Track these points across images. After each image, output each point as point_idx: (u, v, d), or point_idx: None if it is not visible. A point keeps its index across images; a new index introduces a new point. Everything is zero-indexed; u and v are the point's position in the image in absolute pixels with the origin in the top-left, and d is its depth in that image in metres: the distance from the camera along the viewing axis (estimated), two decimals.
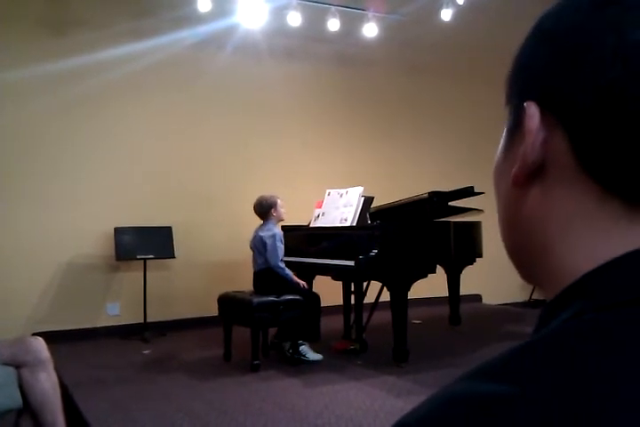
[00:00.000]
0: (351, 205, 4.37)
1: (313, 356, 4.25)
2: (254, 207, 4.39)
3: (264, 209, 4.35)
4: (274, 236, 4.24)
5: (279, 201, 4.39)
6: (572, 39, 0.38)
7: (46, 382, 2.18)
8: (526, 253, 0.43)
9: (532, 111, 0.39)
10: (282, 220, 4.45)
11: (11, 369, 2.15)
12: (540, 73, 0.40)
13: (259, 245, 4.30)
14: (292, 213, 4.70)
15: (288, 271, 4.28)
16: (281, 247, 4.25)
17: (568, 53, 0.38)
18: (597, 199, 0.37)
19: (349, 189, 4.48)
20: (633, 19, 0.35)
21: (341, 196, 4.54)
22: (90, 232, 5.23)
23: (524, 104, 0.39)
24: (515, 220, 0.43)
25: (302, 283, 4.32)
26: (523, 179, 0.40)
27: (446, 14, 5.64)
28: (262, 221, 4.39)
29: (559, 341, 0.32)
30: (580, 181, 0.37)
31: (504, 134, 0.44)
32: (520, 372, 0.30)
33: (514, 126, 0.42)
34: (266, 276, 4.29)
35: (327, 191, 4.72)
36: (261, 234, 4.29)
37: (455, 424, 0.29)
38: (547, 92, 0.39)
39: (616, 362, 0.29)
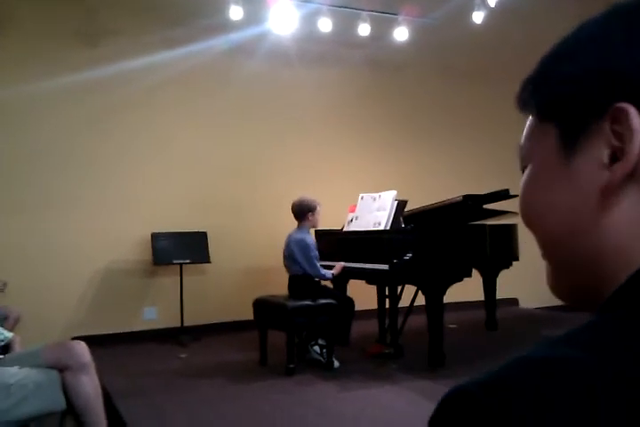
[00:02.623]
0: (385, 209, 4.37)
1: (335, 362, 4.23)
2: (293, 206, 4.40)
3: (302, 211, 4.36)
4: (307, 246, 4.24)
5: (319, 207, 4.39)
6: None
7: (88, 385, 2.23)
8: (590, 266, 0.42)
9: (630, 110, 0.39)
10: (315, 227, 4.45)
11: (54, 372, 2.21)
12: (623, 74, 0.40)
13: (293, 250, 4.31)
14: (325, 218, 4.71)
15: (328, 274, 4.28)
16: (315, 256, 4.27)
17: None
18: None
19: (382, 193, 4.48)
20: None
21: (375, 200, 4.53)
22: (127, 238, 5.34)
23: (619, 106, 0.39)
24: (587, 231, 0.42)
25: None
26: (619, 183, 0.40)
27: (478, 17, 5.60)
28: (297, 225, 4.40)
29: (628, 318, 0.35)
30: None
31: (537, 150, 0.45)
32: (592, 341, 0.34)
33: (574, 133, 0.42)
34: (302, 281, 4.31)
35: (360, 196, 4.72)
36: (295, 239, 4.31)
37: (528, 381, 0.33)
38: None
39: None
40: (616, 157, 0.40)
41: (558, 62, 0.45)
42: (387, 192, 4.44)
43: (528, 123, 0.48)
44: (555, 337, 0.36)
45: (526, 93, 0.47)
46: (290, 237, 4.41)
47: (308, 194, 4.54)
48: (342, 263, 4.38)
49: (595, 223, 0.41)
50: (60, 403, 2.18)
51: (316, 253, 4.29)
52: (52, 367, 2.22)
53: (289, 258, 4.38)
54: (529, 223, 0.47)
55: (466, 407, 0.34)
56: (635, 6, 0.41)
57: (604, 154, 0.40)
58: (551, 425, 0.31)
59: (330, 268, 4.44)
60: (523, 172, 0.48)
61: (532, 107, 0.46)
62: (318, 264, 4.26)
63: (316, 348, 4.38)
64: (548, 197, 0.44)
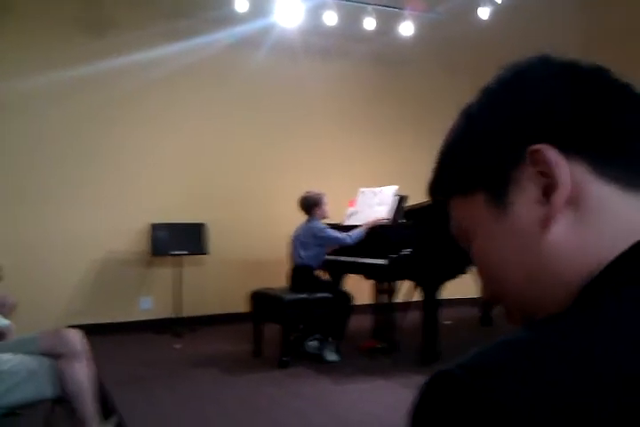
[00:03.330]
0: (385, 204, 4.36)
1: (331, 355, 4.25)
2: (300, 202, 4.39)
3: (309, 206, 4.36)
4: (320, 229, 4.23)
5: (324, 199, 4.39)
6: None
7: (81, 373, 2.23)
8: (540, 285, 0.46)
9: (544, 148, 0.44)
10: (325, 217, 4.44)
11: (49, 360, 2.21)
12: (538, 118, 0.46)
13: (308, 239, 4.27)
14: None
15: (354, 235, 4.21)
16: (333, 231, 4.25)
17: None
18: (623, 198, 0.43)
19: (383, 188, 4.47)
20: None
21: (375, 194, 4.53)
22: (126, 228, 5.33)
23: (534, 148, 0.44)
24: (537, 263, 0.46)
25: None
26: (556, 212, 0.44)
27: (484, 12, 5.58)
28: (307, 217, 4.40)
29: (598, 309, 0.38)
30: (602, 189, 0.43)
31: (472, 222, 0.50)
32: (569, 324, 0.37)
33: (500, 188, 0.47)
34: (304, 272, 4.30)
35: (360, 190, 4.71)
36: (309, 231, 4.27)
37: (511, 363, 0.34)
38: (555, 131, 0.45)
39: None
40: (547, 191, 0.44)
41: (458, 143, 0.51)
42: (387, 187, 4.43)
43: (453, 208, 0.53)
44: (537, 322, 0.38)
45: (442, 182, 0.53)
46: (299, 229, 4.39)
47: (308, 187, 4.52)
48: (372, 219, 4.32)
49: (538, 252, 0.45)
50: (53, 390, 2.18)
51: (333, 230, 4.27)
52: (46, 355, 2.22)
53: (298, 247, 4.35)
54: (496, 291, 0.52)
55: (451, 390, 0.35)
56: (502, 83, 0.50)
57: (537, 192, 0.45)
58: (535, 406, 0.32)
59: (328, 263, 4.43)
60: (468, 252, 0.53)
61: (452, 189, 0.52)
62: (337, 234, 4.22)
63: (313, 342, 4.38)
64: (498, 255, 0.48)
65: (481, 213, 0.48)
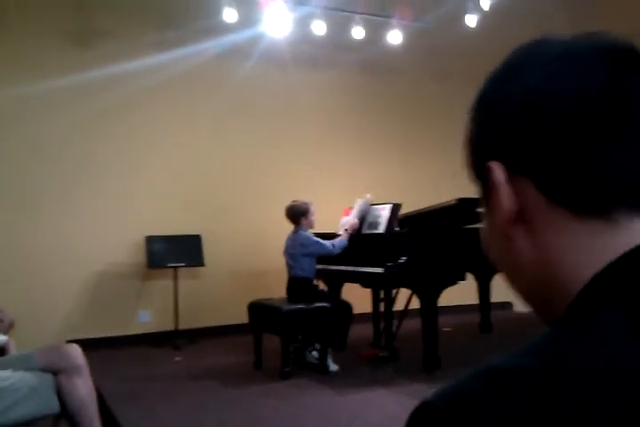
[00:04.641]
0: (353, 209, 4.41)
1: (331, 366, 4.24)
2: (286, 211, 4.38)
3: (295, 215, 4.35)
4: (306, 238, 4.23)
5: (311, 208, 4.38)
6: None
7: (82, 389, 2.22)
8: (538, 292, 0.48)
9: (495, 166, 0.46)
10: (311, 227, 4.44)
11: (48, 376, 2.20)
12: (486, 139, 0.49)
13: (295, 250, 4.28)
14: (317, 220, 4.69)
15: (337, 244, 4.24)
16: (320, 240, 4.25)
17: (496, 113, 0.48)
18: (576, 221, 0.44)
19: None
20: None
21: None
22: (122, 241, 5.32)
23: (488, 165, 0.47)
24: (516, 267, 0.48)
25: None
26: (508, 222, 0.46)
27: (471, 20, 5.62)
28: (294, 227, 4.40)
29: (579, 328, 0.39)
30: (554, 212, 0.44)
31: (481, 202, 0.51)
32: (543, 349, 0.38)
33: (485, 192, 0.49)
34: (301, 283, 4.29)
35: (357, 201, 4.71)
36: (296, 240, 4.28)
37: (487, 392, 0.35)
38: (499, 148, 0.47)
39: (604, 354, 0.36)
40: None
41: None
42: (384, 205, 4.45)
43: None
44: (518, 347, 0.39)
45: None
46: (289, 238, 4.39)
47: (301, 197, 4.53)
48: (351, 215, 4.39)
49: (517, 265, 0.49)
50: (54, 407, 2.17)
51: (319, 239, 4.27)
52: (45, 371, 2.20)
53: (289, 259, 4.36)
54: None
55: (430, 420, 0.36)
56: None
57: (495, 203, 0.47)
58: None
59: (324, 272, 4.43)
60: None
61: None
62: (324, 242, 4.22)
63: (314, 353, 4.36)
64: (494, 243, 0.51)
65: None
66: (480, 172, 0.49)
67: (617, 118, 0.42)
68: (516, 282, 0.50)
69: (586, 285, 0.42)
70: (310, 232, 4.35)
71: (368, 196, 4.43)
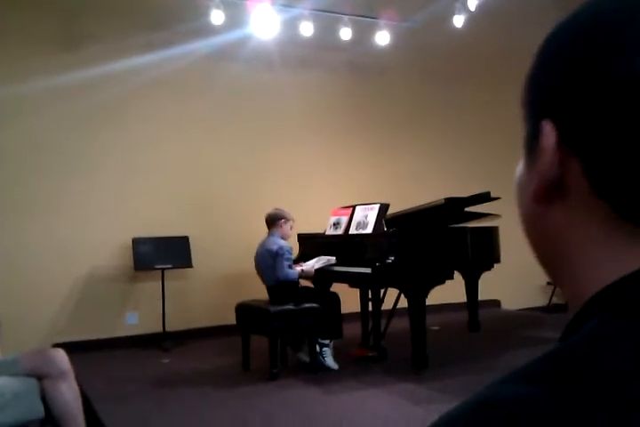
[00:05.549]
0: (368, 213, 4.38)
1: (331, 362, 4.23)
2: (266, 216, 4.41)
3: (275, 218, 4.36)
4: (281, 248, 4.18)
5: (292, 221, 4.40)
6: (581, 62, 0.38)
7: (68, 393, 2.20)
8: (552, 263, 0.44)
9: (548, 131, 0.39)
10: (285, 237, 4.39)
11: (33, 381, 2.18)
12: (553, 93, 0.40)
13: (267, 259, 4.25)
14: (306, 221, 4.70)
15: (295, 273, 4.23)
16: (289, 258, 4.22)
17: (578, 75, 0.38)
18: (613, 222, 0.38)
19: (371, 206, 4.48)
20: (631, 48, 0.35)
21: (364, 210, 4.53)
22: (108, 243, 5.28)
23: (542, 122, 0.39)
24: (538, 233, 0.44)
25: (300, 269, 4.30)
26: (542, 196, 0.41)
27: (458, 21, 5.65)
28: (267, 234, 4.39)
29: (579, 348, 0.34)
30: (596, 205, 0.38)
31: (523, 147, 0.44)
32: (542, 375, 0.33)
33: (531, 141, 0.42)
34: (280, 289, 4.27)
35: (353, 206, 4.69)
36: (267, 248, 4.26)
37: (481, 424, 0.32)
38: (560, 113, 0.39)
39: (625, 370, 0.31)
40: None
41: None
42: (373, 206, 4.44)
43: None
44: (513, 370, 0.35)
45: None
46: (261, 246, 4.38)
47: (290, 197, 4.53)
48: (312, 261, 4.37)
49: (540, 232, 0.43)
50: (39, 412, 2.15)
51: (290, 257, 4.24)
52: (30, 375, 2.18)
53: (260, 269, 4.35)
54: None
55: None
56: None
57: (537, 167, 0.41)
58: None
59: (317, 273, 4.42)
60: None
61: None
62: (287, 265, 4.20)
63: (304, 353, 4.35)
64: (524, 198, 0.45)
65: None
66: (532, 119, 0.42)
67: None
68: (534, 246, 0.45)
69: (610, 286, 0.37)
70: (286, 243, 4.31)
71: (334, 258, 4.40)
